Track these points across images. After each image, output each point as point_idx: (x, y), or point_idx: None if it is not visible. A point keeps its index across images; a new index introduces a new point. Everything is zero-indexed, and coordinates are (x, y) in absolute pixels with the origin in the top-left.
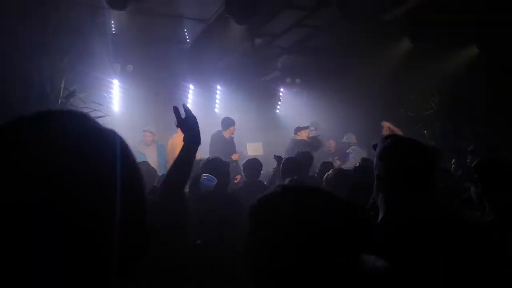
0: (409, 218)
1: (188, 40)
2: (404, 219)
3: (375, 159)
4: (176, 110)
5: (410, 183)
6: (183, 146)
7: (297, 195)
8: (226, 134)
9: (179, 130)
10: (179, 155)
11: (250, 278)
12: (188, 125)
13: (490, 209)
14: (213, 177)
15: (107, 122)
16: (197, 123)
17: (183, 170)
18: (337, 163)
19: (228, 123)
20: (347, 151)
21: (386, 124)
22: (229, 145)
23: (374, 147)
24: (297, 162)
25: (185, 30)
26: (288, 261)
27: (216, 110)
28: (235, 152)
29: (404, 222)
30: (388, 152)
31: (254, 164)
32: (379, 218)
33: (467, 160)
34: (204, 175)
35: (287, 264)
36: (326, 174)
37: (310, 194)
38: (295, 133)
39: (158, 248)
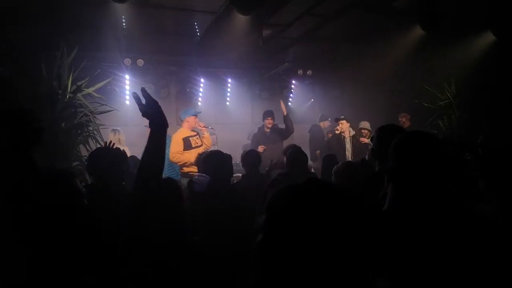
0: (412, 208)
1: (198, 33)
2: (407, 209)
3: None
4: (136, 96)
5: (420, 176)
6: (151, 132)
7: (313, 192)
8: (265, 128)
9: (183, 124)
10: (148, 142)
11: (257, 270)
12: (151, 110)
13: (496, 202)
14: (206, 175)
15: (116, 116)
16: (159, 106)
17: (154, 157)
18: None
19: (263, 117)
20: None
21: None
22: (263, 139)
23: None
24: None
25: (195, 23)
26: (301, 257)
27: (228, 103)
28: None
29: (407, 212)
30: (401, 145)
31: (252, 156)
32: (385, 207)
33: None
34: (196, 175)
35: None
36: (335, 167)
37: (325, 191)
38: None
39: (153, 246)
